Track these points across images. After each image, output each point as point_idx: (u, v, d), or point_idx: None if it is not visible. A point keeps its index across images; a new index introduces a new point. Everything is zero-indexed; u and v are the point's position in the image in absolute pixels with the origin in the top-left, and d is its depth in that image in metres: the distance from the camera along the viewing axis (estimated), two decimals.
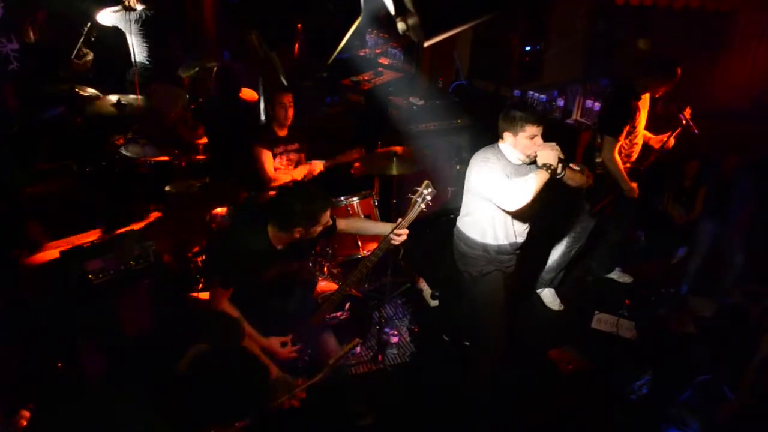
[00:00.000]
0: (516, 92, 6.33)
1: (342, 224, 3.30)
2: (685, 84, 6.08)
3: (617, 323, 4.49)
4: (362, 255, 4.33)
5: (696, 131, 4.42)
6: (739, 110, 6.30)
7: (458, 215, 3.54)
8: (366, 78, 6.82)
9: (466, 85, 6.94)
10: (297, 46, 7.08)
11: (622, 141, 4.30)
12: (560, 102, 6.06)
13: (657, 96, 4.36)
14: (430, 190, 3.08)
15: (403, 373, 4.08)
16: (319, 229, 2.90)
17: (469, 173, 3.34)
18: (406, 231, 3.14)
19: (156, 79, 5.68)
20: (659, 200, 5.46)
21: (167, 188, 4.50)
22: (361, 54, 7.61)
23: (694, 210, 5.20)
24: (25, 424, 2.89)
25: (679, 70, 4.21)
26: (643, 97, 4.33)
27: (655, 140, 4.53)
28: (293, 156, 4.63)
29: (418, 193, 3.10)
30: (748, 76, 6.48)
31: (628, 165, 4.45)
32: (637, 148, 4.49)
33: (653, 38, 6.66)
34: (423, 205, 3.09)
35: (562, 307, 4.80)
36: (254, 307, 2.97)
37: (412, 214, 3.10)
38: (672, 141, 4.44)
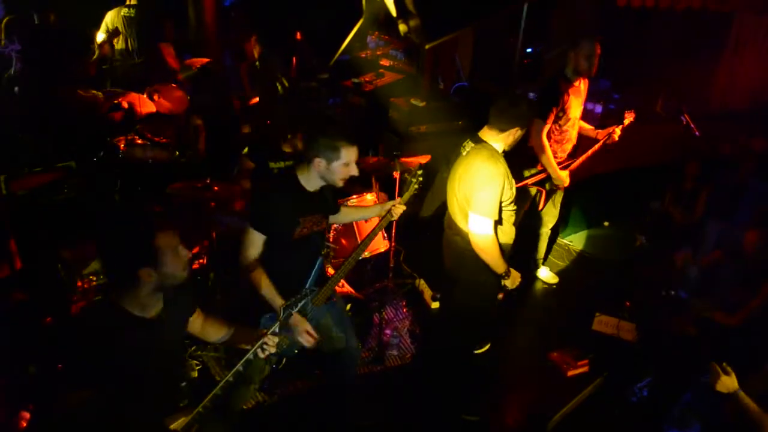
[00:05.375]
0: None
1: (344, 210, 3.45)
2: (687, 84, 6.11)
3: (618, 325, 4.49)
4: (364, 255, 4.33)
5: (697, 132, 4.42)
6: (739, 110, 6.31)
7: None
8: (367, 79, 6.82)
9: (468, 86, 6.95)
10: (299, 48, 7.09)
11: (549, 125, 4.25)
12: None
13: (591, 74, 4.29)
14: (421, 171, 3.36)
15: (404, 375, 4.08)
16: (341, 169, 2.85)
17: (476, 180, 3.17)
18: (404, 207, 3.33)
19: (158, 81, 5.72)
20: (660, 201, 5.46)
21: (169, 189, 4.49)
22: (363, 56, 7.62)
23: (694, 211, 5.19)
24: (24, 425, 2.90)
25: (598, 46, 4.17)
26: (576, 84, 4.30)
27: (602, 133, 4.51)
28: None
29: (412, 174, 3.37)
30: (749, 76, 6.49)
31: (563, 157, 4.47)
32: (568, 137, 4.44)
33: (654, 39, 6.67)
34: (417, 186, 3.36)
35: (557, 279, 5.11)
36: (279, 266, 2.94)
37: (408, 194, 3.35)
38: (617, 133, 4.43)
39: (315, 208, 2.98)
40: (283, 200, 2.88)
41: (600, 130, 4.56)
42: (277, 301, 2.83)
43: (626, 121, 4.47)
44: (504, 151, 3.25)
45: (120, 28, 6.16)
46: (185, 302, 2.41)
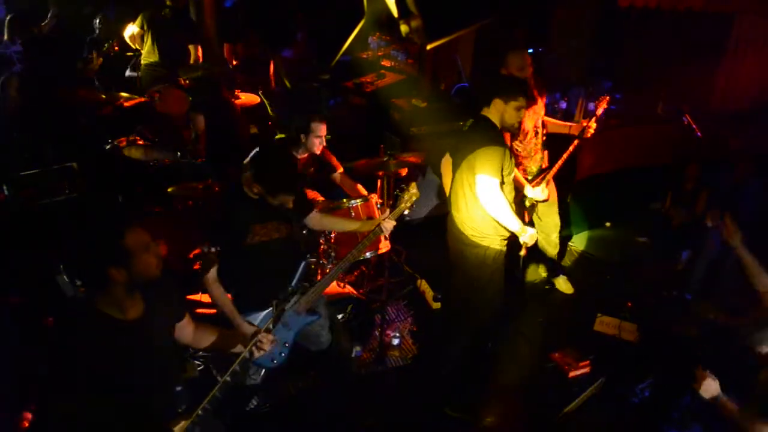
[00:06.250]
0: None
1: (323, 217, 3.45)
2: (688, 85, 6.10)
3: (619, 326, 4.48)
4: (364, 256, 4.32)
5: (699, 134, 4.39)
6: (740, 111, 6.29)
7: None
8: (368, 80, 6.83)
9: (469, 87, 6.95)
10: (300, 48, 7.09)
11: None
12: (563, 104, 6.06)
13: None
14: (415, 191, 3.33)
15: (405, 375, 4.08)
16: None
17: (479, 143, 3.35)
18: (394, 222, 3.32)
19: (162, 81, 5.72)
20: (661, 202, 5.45)
21: (169, 190, 4.50)
22: (364, 56, 7.62)
23: (695, 212, 5.18)
24: (26, 425, 2.90)
25: (527, 56, 4.13)
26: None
27: (576, 128, 4.37)
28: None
29: (405, 191, 3.34)
30: (750, 77, 6.48)
31: (543, 165, 4.45)
32: (535, 148, 4.40)
33: (655, 40, 6.65)
34: (408, 203, 3.35)
35: (572, 290, 4.95)
36: (244, 273, 2.94)
37: (398, 210, 3.33)
38: (593, 126, 4.22)
39: (267, 215, 2.93)
40: (228, 210, 2.88)
41: (574, 124, 4.48)
42: (236, 319, 2.83)
43: (599, 111, 4.34)
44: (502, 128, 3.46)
45: (149, 30, 6.11)
46: (170, 306, 2.38)
